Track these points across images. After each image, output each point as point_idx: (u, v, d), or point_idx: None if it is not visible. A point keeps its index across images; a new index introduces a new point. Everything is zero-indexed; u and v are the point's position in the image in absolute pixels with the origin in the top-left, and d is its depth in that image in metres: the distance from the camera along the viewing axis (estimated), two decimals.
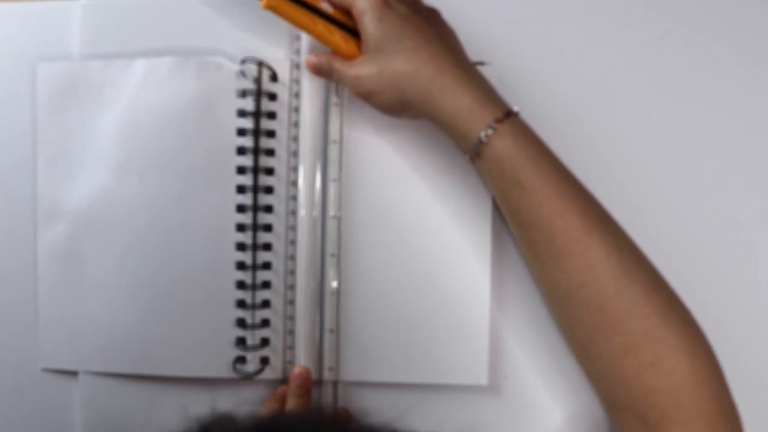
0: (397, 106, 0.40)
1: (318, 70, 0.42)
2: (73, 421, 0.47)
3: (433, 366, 0.45)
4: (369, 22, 0.39)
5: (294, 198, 0.46)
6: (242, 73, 0.45)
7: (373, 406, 0.45)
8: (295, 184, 0.46)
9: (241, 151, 0.45)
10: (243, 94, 0.45)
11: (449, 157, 0.45)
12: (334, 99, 0.45)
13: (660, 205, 0.45)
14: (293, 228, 0.45)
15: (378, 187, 0.45)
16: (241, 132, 0.45)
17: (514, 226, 0.41)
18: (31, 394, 0.47)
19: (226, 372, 0.44)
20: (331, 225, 0.45)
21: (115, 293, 0.45)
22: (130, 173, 0.45)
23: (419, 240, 0.45)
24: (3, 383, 0.47)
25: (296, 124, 0.46)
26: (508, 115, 0.38)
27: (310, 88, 0.45)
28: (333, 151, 0.45)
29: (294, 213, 0.46)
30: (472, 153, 0.39)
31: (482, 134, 0.38)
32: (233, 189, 0.45)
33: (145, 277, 0.45)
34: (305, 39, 0.45)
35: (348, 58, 0.41)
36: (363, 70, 0.40)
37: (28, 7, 0.48)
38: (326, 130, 0.46)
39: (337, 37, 0.41)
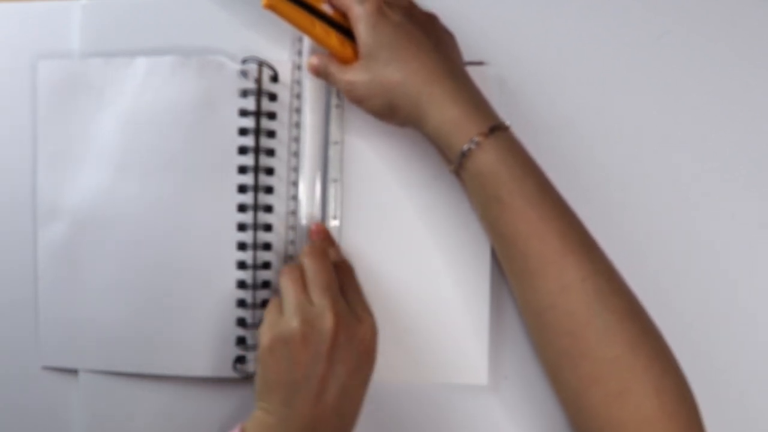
0: (387, 113, 0.41)
1: (316, 72, 0.42)
2: (73, 420, 0.47)
3: (433, 366, 0.45)
4: (363, 29, 0.39)
5: (294, 198, 0.46)
6: (243, 73, 0.45)
7: (373, 406, 0.45)
8: (295, 184, 0.46)
9: (242, 150, 0.45)
10: (244, 93, 0.45)
11: None
12: (335, 100, 0.45)
13: (659, 204, 0.45)
14: (293, 228, 0.45)
15: (378, 188, 0.45)
16: (243, 131, 0.45)
17: (492, 241, 0.41)
18: (31, 393, 0.47)
19: (226, 371, 0.44)
20: (331, 225, 0.45)
21: (115, 292, 0.45)
22: (131, 172, 0.45)
23: (419, 241, 0.45)
24: (3, 381, 0.47)
25: (297, 125, 0.46)
26: (495, 130, 0.38)
27: (312, 90, 0.45)
28: (334, 152, 0.45)
29: (294, 213, 0.46)
30: (456, 165, 0.39)
31: (465, 147, 0.38)
32: (234, 188, 0.45)
33: (146, 276, 0.45)
34: (307, 40, 0.45)
35: (344, 61, 0.41)
36: (356, 75, 0.40)
37: (28, 6, 0.48)
38: (327, 131, 0.46)
39: (334, 40, 0.41)
